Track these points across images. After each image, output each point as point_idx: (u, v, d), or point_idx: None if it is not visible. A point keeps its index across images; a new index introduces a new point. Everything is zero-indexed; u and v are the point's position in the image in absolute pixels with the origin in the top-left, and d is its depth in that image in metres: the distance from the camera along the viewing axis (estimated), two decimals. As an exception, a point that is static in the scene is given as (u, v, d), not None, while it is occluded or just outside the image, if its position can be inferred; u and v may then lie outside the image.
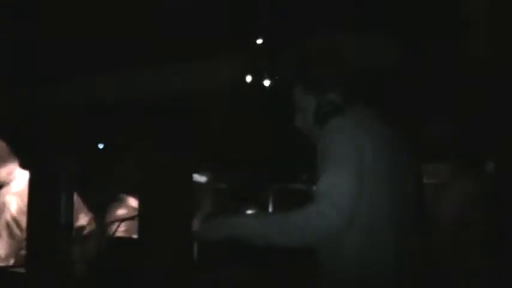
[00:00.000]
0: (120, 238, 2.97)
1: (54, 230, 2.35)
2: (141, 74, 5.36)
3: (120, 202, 3.65)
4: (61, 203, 2.34)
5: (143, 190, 2.29)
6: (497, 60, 3.42)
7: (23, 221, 2.80)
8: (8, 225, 2.94)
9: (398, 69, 4.18)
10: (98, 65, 5.08)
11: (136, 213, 2.74)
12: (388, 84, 4.13)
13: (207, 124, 5.19)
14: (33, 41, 4.70)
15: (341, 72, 2.04)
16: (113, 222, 3.17)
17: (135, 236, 2.92)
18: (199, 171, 3.94)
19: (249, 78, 4.54)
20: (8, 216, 2.95)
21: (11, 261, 2.90)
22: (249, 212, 3.69)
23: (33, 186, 2.45)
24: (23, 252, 2.84)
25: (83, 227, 3.07)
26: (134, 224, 2.85)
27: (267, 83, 4.52)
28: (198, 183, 3.88)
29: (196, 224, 3.41)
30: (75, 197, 2.69)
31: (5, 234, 2.93)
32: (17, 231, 2.93)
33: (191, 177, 2.56)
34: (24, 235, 2.77)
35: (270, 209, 3.91)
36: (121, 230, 2.99)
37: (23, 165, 3.13)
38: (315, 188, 1.81)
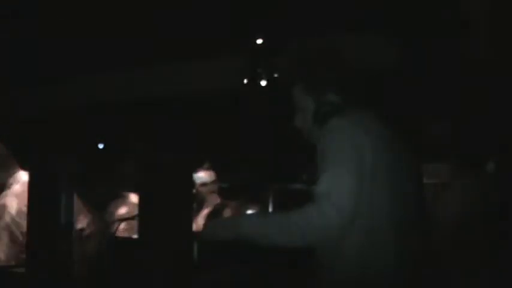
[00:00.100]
0: (120, 238, 2.97)
1: (54, 230, 2.35)
2: (141, 74, 5.36)
3: (121, 199, 3.66)
4: (61, 203, 2.33)
5: (143, 190, 2.29)
6: (497, 60, 3.42)
7: (24, 224, 2.80)
8: (8, 228, 2.94)
9: (398, 70, 4.18)
10: (98, 65, 5.08)
11: (137, 210, 2.74)
12: (388, 85, 4.13)
13: (207, 124, 5.19)
14: (33, 41, 4.70)
15: (341, 73, 2.04)
16: (113, 222, 3.17)
17: (135, 236, 2.92)
18: (201, 171, 3.95)
19: (248, 78, 4.54)
20: (8, 219, 2.94)
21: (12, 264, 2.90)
22: (249, 212, 3.70)
23: (33, 186, 2.45)
24: (24, 255, 2.83)
25: (83, 229, 3.06)
26: (134, 223, 2.84)
27: (266, 83, 4.53)
28: (200, 183, 3.89)
29: (197, 224, 3.41)
30: (75, 198, 2.69)
31: (5, 236, 2.93)
32: (17, 233, 2.92)
33: (191, 177, 2.56)
34: (25, 237, 2.76)
35: (270, 209, 3.91)
36: (121, 229, 2.99)
37: (23, 166, 3.13)
38: (315, 188, 1.81)
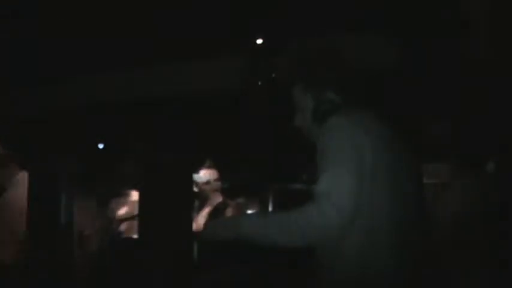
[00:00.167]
0: (120, 238, 2.98)
1: (54, 230, 2.35)
2: (141, 74, 5.36)
3: (123, 198, 3.66)
4: (61, 203, 2.34)
5: (143, 190, 2.29)
6: (497, 60, 3.42)
7: (24, 225, 2.80)
8: (9, 228, 2.94)
9: (398, 70, 4.18)
10: (98, 65, 5.08)
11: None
12: (388, 85, 4.13)
13: (207, 124, 5.19)
14: (33, 41, 4.69)
15: (341, 73, 2.04)
16: (114, 219, 3.18)
17: (135, 236, 2.92)
18: (204, 169, 3.95)
19: (248, 79, 4.54)
20: (9, 220, 2.94)
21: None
22: (250, 211, 3.70)
23: (33, 186, 2.45)
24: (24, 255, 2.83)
25: (83, 231, 3.06)
26: (135, 223, 2.85)
27: (266, 83, 4.53)
28: (202, 182, 3.89)
29: (200, 222, 3.41)
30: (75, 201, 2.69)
31: (7, 237, 2.93)
32: (19, 234, 2.92)
33: (191, 177, 2.56)
34: (26, 238, 2.76)
35: (270, 209, 3.91)
36: (122, 229, 2.99)
37: (23, 166, 3.13)
38: (315, 187, 1.81)
